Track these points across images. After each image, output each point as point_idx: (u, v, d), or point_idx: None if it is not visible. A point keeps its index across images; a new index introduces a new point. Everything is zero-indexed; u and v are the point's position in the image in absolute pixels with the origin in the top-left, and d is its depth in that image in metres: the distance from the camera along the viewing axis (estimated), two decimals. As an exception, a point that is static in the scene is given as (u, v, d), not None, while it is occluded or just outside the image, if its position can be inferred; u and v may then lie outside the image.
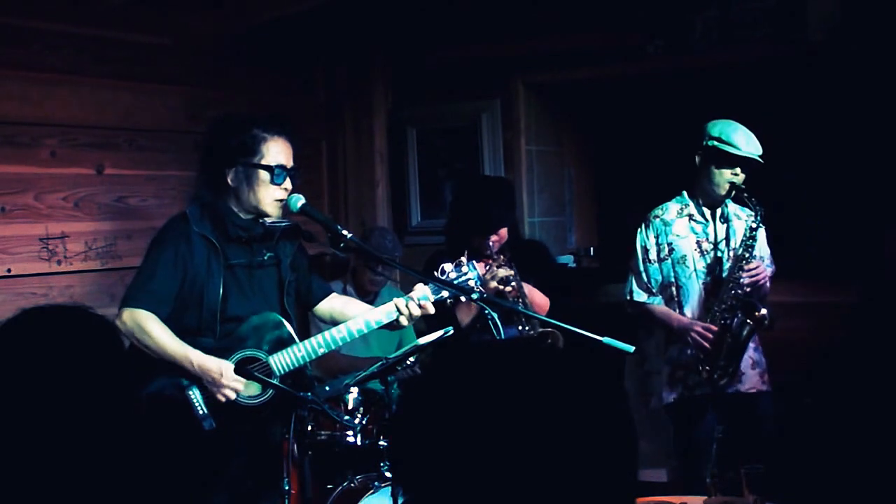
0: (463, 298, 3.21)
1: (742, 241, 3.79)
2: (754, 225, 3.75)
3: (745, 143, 3.73)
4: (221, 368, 3.08)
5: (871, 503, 3.76)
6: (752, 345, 3.85)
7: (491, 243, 3.85)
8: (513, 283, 3.77)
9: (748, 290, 3.75)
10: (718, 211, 3.88)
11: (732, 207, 3.90)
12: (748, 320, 3.71)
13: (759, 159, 3.74)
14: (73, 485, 1.49)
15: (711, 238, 3.86)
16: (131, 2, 4.20)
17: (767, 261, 3.92)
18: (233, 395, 3.09)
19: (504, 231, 3.92)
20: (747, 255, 3.75)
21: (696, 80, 4.91)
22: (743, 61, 4.69)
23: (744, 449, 3.43)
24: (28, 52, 3.93)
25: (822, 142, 4.62)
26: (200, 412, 3.11)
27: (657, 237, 3.93)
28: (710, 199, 3.87)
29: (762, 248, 3.90)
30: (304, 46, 5.12)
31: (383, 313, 3.22)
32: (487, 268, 3.70)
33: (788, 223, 4.15)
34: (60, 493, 1.49)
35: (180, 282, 3.14)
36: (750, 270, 3.74)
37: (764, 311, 3.70)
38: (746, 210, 3.89)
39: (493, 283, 3.68)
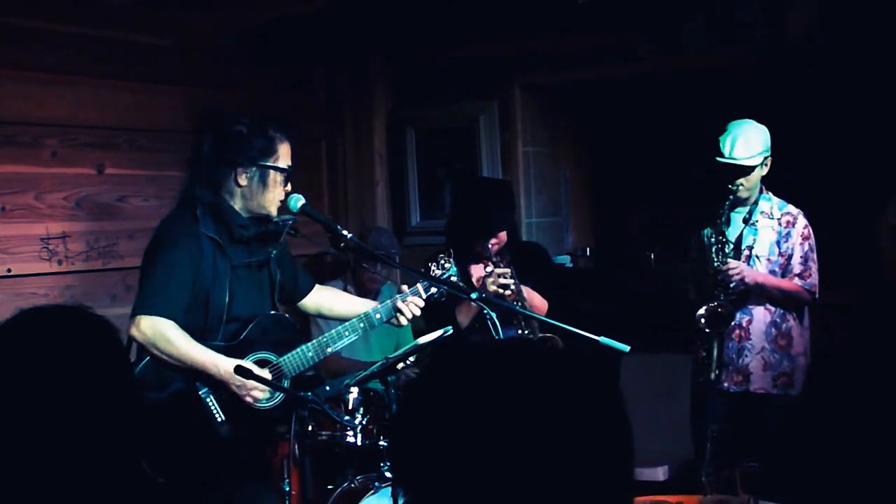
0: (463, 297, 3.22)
1: (713, 241, 3.81)
2: (722, 228, 3.79)
3: (728, 147, 3.74)
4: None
5: (866, 502, 3.76)
6: (768, 346, 3.86)
7: (490, 246, 3.86)
8: (512, 287, 3.78)
9: (720, 290, 3.77)
10: (746, 211, 3.87)
11: (765, 206, 3.89)
12: (703, 322, 3.75)
13: (744, 163, 3.73)
14: (73, 485, 1.49)
15: (733, 240, 3.87)
16: (131, 2, 4.20)
17: (799, 259, 3.88)
18: (261, 396, 3.07)
19: (504, 234, 3.93)
20: (719, 256, 3.77)
21: (692, 82, 4.92)
22: (736, 62, 4.71)
23: (740, 448, 3.44)
24: (28, 52, 3.93)
25: (821, 143, 4.63)
26: (218, 418, 3.08)
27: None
28: (729, 202, 3.88)
29: (794, 247, 3.87)
30: (304, 46, 5.12)
31: (383, 308, 3.23)
32: (487, 270, 3.71)
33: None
34: (60, 494, 1.48)
35: (192, 285, 3.09)
36: (725, 270, 3.75)
37: (722, 308, 3.72)
38: (785, 207, 3.89)
39: (493, 287, 3.69)
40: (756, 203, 3.88)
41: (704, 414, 3.89)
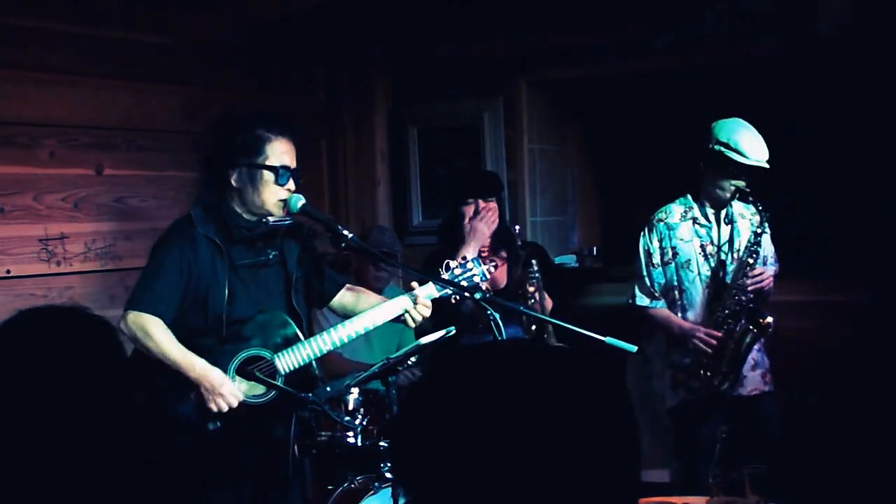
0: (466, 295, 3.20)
1: (746, 246, 3.77)
2: (759, 230, 3.73)
3: (752, 149, 3.67)
4: (223, 380, 3.06)
5: (875, 503, 3.75)
6: (755, 346, 3.84)
7: (485, 214, 3.85)
8: (535, 281, 3.81)
9: (751, 295, 3.74)
10: (723, 212, 3.85)
11: (737, 207, 3.86)
12: (752, 327, 3.70)
13: (767, 165, 3.69)
14: (73, 486, 1.48)
15: (716, 241, 3.84)
16: (131, 2, 4.20)
17: (771, 259, 3.90)
18: (224, 407, 3.06)
19: (493, 208, 3.90)
20: (752, 260, 3.73)
21: (701, 78, 4.89)
22: (748, 58, 4.67)
23: (747, 449, 3.42)
24: (28, 52, 3.93)
25: (830, 138, 4.60)
26: (205, 412, 3.09)
27: (661, 241, 3.90)
28: (714, 202, 3.85)
29: (766, 247, 3.87)
30: (304, 46, 5.11)
31: (388, 311, 3.21)
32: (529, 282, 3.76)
33: (794, 221, 4.13)
34: (60, 495, 1.48)
35: (185, 284, 3.11)
36: (755, 276, 3.72)
37: (770, 318, 3.69)
38: (751, 208, 3.85)
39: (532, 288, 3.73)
40: (730, 204, 3.85)
41: (697, 424, 3.84)
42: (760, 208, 3.73)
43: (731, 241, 3.81)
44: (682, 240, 3.87)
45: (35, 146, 3.94)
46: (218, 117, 3.32)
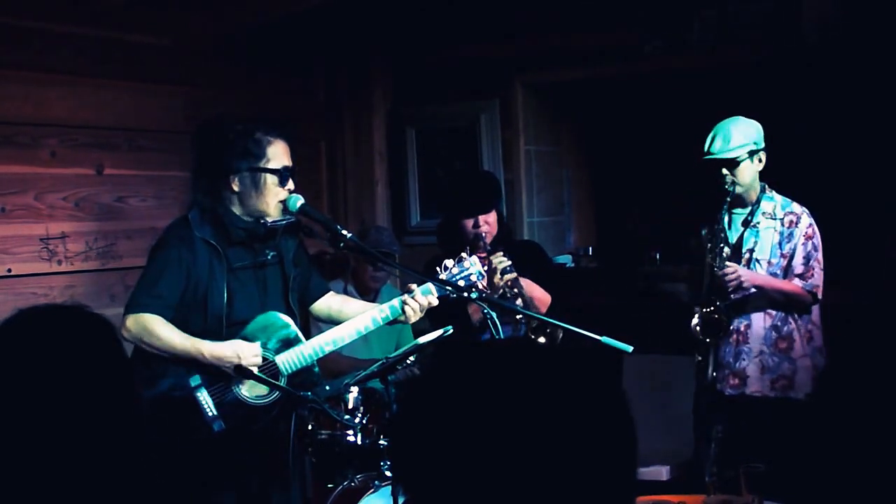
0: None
1: (710, 247, 3.77)
2: (722, 230, 3.75)
3: (708, 145, 3.77)
4: (237, 351, 3.06)
5: (871, 503, 3.75)
6: (766, 350, 3.82)
7: (483, 234, 3.86)
8: (510, 272, 3.78)
9: (723, 296, 3.74)
10: (747, 213, 3.83)
11: (767, 206, 3.83)
12: (698, 330, 3.74)
13: (722, 157, 3.72)
14: (74, 486, 1.48)
15: (732, 243, 3.84)
16: (131, 2, 4.20)
17: (801, 268, 3.80)
18: (255, 369, 3.04)
19: (492, 219, 3.92)
20: (717, 262, 3.73)
21: (695, 80, 4.91)
22: (741, 62, 4.69)
23: (744, 448, 3.43)
24: (28, 52, 3.93)
25: (822, 143, 4.62)
26: (209, 414, 3.09)
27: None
28: (727, 203, 3.83)
29: (796, 245, 3.80)
30: (304, 46, 5.12)
31: (388, 309, 3.22)
32: (486, 264, 3.71)
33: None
34: (61, 495, 1.48)
35: (184, 286, 3.11)
36: (725, 276, 3.71)
37: (718, 314, 3.70)
38: (792, 206, 3.82)
39: (496, 277, 3.69)
40: (758, 203, 3.83)
41: (704, 418, 3.88)
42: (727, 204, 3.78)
43: (739, 242, 3.81)
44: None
45: (36, 146, 3.94)
46: (210, 122, 3.31)
